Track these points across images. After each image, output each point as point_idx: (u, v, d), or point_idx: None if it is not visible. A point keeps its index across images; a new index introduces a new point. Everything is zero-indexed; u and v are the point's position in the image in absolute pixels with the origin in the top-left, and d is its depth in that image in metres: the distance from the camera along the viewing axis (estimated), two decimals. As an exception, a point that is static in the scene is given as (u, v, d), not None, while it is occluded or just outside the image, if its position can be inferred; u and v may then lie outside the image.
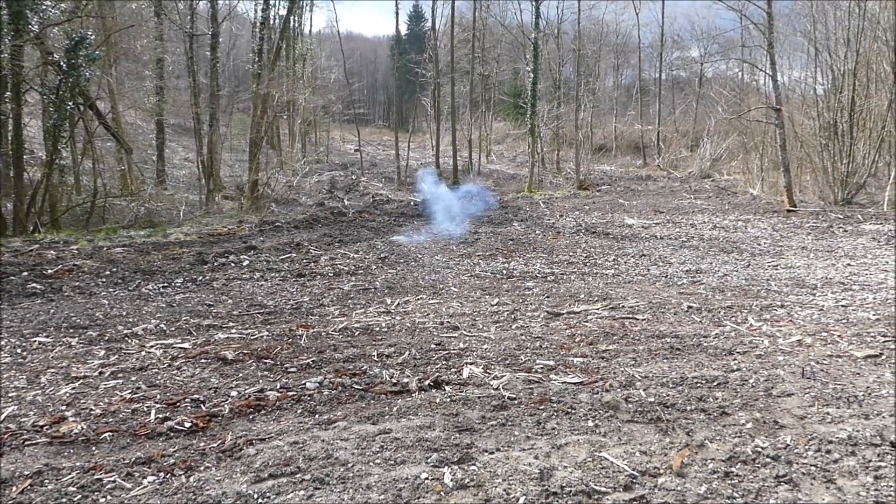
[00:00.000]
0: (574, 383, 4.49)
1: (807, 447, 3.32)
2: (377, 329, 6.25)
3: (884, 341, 5.42)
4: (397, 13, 53.50)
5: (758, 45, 23.58)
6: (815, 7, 22.08)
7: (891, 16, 19.29)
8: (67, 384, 4.60)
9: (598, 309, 7.04)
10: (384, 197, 21.18)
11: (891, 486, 2.91)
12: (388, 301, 7.62)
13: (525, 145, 32.48)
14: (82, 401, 4.28)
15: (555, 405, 4.02)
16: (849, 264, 9.70)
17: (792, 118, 20.43)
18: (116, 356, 5.33)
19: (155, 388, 4.53)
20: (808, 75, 25.82)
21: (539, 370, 4.84)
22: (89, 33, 13.50)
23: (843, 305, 6.96)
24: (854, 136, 18.68)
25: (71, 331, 6.15)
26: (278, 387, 4.53)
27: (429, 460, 3.25)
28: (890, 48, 18.88)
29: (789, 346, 5.40)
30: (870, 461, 3.16)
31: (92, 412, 4.07)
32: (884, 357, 4.98)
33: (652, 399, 4.09)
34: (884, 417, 3.69)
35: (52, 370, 4.91)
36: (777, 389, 4.23)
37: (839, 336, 5.64)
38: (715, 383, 4.40)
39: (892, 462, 3.14)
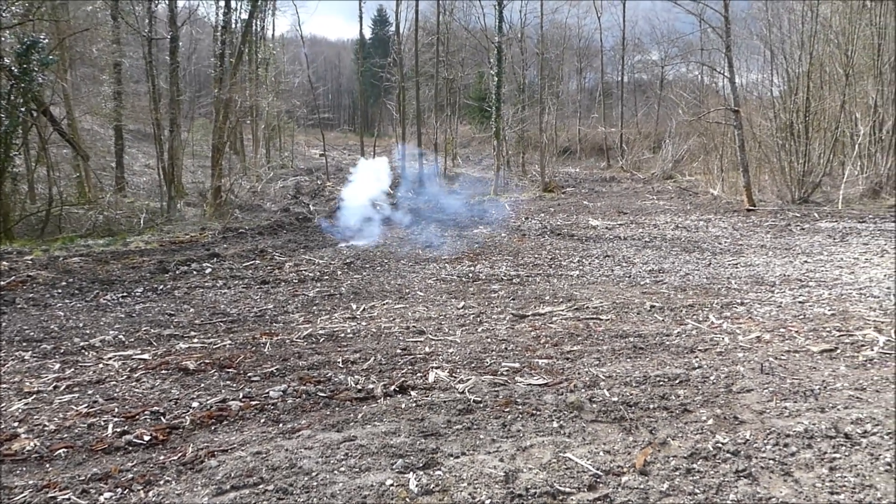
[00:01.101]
0: (539, 385, 4.51)
1: (765, 441, 3.39)
2: (342, 335, 6.20)
3: (839, 336, 5.57)
4: (361, 17, 53.11)
5: (716, 48, 24.05)
6: (771, 11, 22.69)
7: (842, 19, 19.93)
8: (20, 399, 4.46)
9: (562, 310, 7.09)
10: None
11: (846, 478, 2.99)
12: (354, 306, 7.57)
13: (490, 148, 32.59)
14: (35, 416, 4.14)
15: (520, 407, 4.03)
16: (806, 261, 9.95)
17: (750, 119, 20.92)
18: (72, 369, 5.18)
19: (113, 402, 4.41)
20: (765, 77, 26.51)
21: (504, 373, 4.85)
22: (42, 37, 13.13)
23: (800, 302, 7.13)
24: (809, 137, 19.21)
25: (24, 344, 5.96)
26: (241, 396, 4.46)
27: (394, 466, 3.23)
28: (842, 51, 19.50)
29: (749, 342, 5.51)
30: (825, 453, 3.23)
31: (46, 428, 3.95)
32: (839, 351, 5.12)
33: (616, 398, 4.13)
34: (838, 410, 3.79)
35: (4, 385, 4.75)
36: (737, 385, 4.32)
37: (796, 332, 5.78)
38: (677, 381, 4.47)
39: (847, 453, 3.22)
